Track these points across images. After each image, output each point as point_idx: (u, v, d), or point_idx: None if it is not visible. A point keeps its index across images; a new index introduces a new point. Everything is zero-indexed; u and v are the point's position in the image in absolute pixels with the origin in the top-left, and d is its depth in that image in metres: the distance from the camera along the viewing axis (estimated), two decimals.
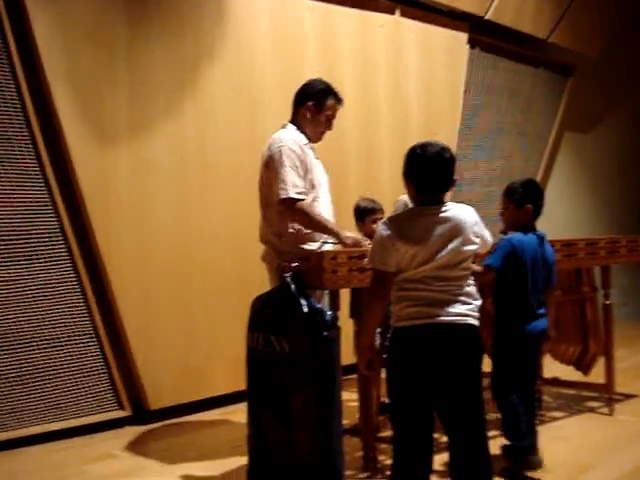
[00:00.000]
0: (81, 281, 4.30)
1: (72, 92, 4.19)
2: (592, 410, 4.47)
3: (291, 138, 3.63)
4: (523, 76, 7.20)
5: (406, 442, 2.68)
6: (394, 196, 4.52)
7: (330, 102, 3.73)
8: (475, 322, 2.61)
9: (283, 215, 3.60)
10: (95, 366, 4.38)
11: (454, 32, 6.41)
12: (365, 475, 3.48)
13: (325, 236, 3.68)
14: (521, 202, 3.57)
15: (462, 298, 2.60)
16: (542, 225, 8.06)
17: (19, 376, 4.09)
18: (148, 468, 3.72)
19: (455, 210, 2.64)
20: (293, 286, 3.23)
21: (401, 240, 2.56)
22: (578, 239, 4.19)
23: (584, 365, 4.59)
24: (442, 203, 2.64)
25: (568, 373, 4.75)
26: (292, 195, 3.50)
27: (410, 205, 4.11)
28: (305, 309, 3.15)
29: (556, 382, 4.74)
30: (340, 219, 4.07)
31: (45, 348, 4.19)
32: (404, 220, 2.64)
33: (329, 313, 3.14)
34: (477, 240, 2.65)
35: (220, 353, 4.77)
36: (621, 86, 8.76)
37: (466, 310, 2.59)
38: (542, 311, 3.55)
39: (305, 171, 3.61)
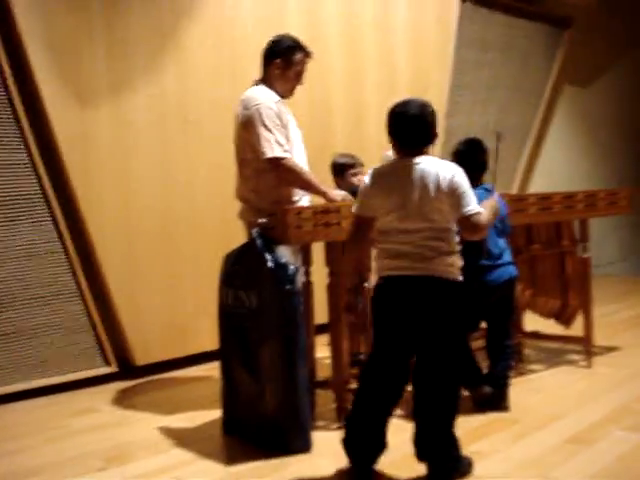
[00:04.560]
0: (63, 240, 4.36)
1: (49, 53, 4.20)
2: (571, 363, 4.51)
3: (267, 97, 3.66)
4: (518, 30, 7.11)
5: (375, 376, 2.86)
6: (381, 153, 4.54)
7: (298, 57, 3.73)
8: (439, 274, 2.71)
9: (260, 172, 3.63)
10: (80, 324, 4.46)
11: None
12: (336, 425, 3.55)
13: (301, 193, 3.71)
14: (456, 162, 3.66)
15: (426, 252, 2.70)
16: (540, 179, 8.00)
17: (4, 335, 4.19)
18: (126, 421, 3.82)
19: (426, 164, 2.73)
20: (259, 242, 3.28)
21: (376, 189, 2.79)
22: (554, 193, 4.19)
23: (565, 318, 4.61)
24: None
25: (551, 327, 4.78)
26: (278, 154, 3.55)
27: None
28: (270, 264, 3.21)
29: (537, 335, 4.77)
30: (325, 177, 4.12)
31: (30, 307, 4.27)
32: (382, 171, 2.84)
33: (292, 267, 3.19)
34: (447, 195, 2.69)
35: (205, 309, 4.81)
36: (620, 37, 8.63)
37: (429, 264, 2.70)
38: (507, 259, 3.64)
39: (285, 128, 3.63)
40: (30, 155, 4.23)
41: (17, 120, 4.18)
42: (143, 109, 4.60)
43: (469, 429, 3.40)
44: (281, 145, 3.56)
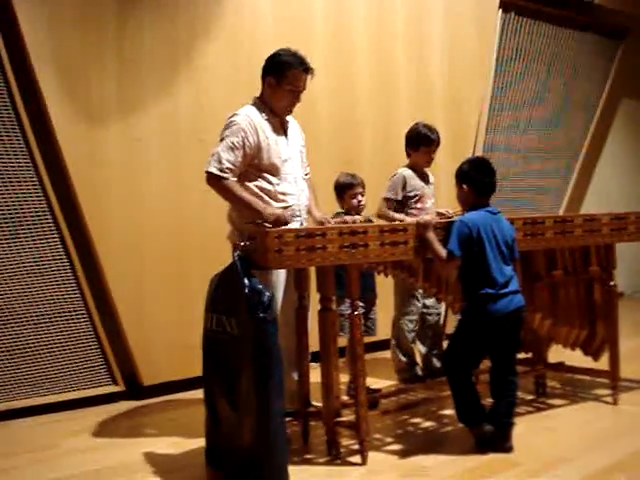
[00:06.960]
0: (70, 258, 4.35)
1: (57, 71, 4.21)
2: (596, 399, 4.19)
3: (246, 114, 3.56)
4: (566, 41, 6.76)
5: None
6: None
7: (292, 74, 3.56)
8: None
9: None
10: (86, 341, 4.44)
11: None
12: (324, 459, 3.38)
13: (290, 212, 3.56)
14: (460, 182, 3.47)
15: None
16: (595, 200, 7.59)
17: (9, 351, 4.20)
18: (117, 444, 3.74)
19: None
20: (239, 266, 3.16)
21: None
22: (575, 215, 3.91)
23: (593, 350, 4.28)
24: None
25: (578, 358, 4.45)
26: (212, 170, 3.47)
27: (408, 179, 4.33)
28: (247, 290, 3.07)
29: (561, 367, 4.46)
30: None
31: (35, 324, 4.27)
32: None
33: (267, 294, 3.03)
34: None
35: None
36: None
37: None
38: (513, 287, 3.40)
39: (255, 149, 3.51)
40: (38, 173, 4.24)
41: (25, 139, 4.20)
42: (155, 128, 4.55)
43: (466, 469, 3.19)
44: (220, 163, 3.45)
